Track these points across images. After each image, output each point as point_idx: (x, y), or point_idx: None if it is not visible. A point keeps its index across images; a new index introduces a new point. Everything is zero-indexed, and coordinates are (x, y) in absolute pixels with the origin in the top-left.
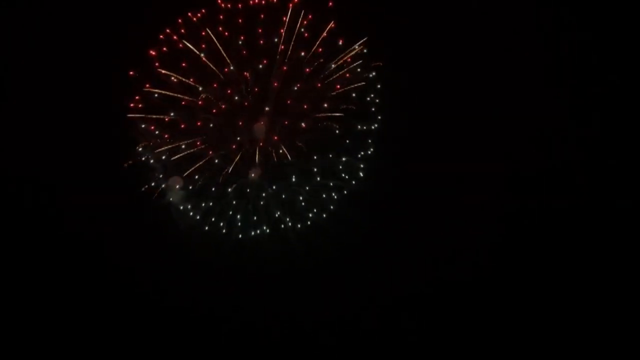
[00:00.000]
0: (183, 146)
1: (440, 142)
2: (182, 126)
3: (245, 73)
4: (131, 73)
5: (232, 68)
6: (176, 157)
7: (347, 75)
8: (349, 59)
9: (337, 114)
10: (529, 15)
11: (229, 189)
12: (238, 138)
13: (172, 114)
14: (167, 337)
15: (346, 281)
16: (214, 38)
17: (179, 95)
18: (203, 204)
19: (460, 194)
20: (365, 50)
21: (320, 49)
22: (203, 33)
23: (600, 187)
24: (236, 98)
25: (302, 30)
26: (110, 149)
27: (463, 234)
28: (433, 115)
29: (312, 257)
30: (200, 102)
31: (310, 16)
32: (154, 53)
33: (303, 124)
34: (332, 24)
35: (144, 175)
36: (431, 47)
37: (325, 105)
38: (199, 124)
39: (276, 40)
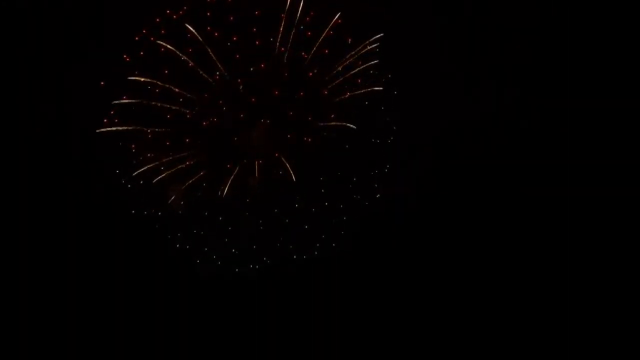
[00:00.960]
0: (162, 168)
1: (467, 154)
2: (167, 143)
3: (238, 80)
4: (102, 83)
5: (219, 73)
6: (158, 178)
7: (358, 80)
8: (360, 61)
9: (347, 125)
10: (549, 15)
11: (220, 217)
12: (231, 158)
13: (148, 129)
14: None
15: (359, 317)
16: (200, 39)
17: (161, 104)
18: (194, 231)
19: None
20: (379, 50)
21: (325, 50)
22: (189, 35)
23: None
24: (224, 109)
25: (303, 28)
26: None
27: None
28: (461, 124)
29: (320, 292)
30: (188, 115)
31: (312, 12)
32: (128, 58)
33: (307, 138)
34: (337, 19)
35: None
36: (459, 43)
37: (333, 115)
38: (187, 140)
39: (272, 39)
